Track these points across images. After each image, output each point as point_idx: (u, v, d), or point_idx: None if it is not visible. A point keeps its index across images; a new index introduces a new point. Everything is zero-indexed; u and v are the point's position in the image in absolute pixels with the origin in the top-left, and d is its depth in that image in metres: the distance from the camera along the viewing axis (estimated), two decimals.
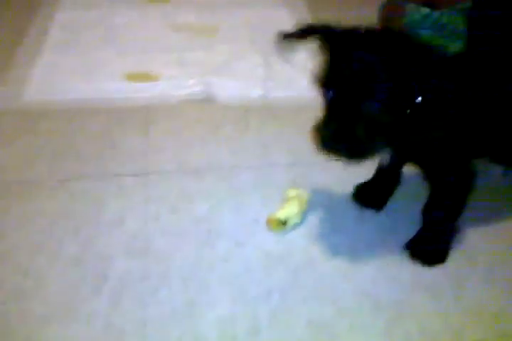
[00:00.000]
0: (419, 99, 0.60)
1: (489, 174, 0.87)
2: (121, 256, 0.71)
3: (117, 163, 0.87)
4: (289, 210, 0.76)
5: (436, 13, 1.36)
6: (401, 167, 0.78)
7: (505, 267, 0.73)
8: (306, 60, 1.19)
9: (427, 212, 0.73)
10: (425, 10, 1.37)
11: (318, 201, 0.81)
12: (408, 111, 0.61)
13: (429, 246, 0.74)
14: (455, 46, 1.25)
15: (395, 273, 0.72)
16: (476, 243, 0.77)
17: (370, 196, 0.81)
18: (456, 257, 0.74)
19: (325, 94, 0.60)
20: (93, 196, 0.81)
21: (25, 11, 1.25)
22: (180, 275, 0.70)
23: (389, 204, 0.81)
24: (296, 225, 0.77)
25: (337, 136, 0.59)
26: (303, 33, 0.64)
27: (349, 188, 0.83)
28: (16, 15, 1.24)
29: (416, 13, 1.35)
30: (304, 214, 0.78)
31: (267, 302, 0.67)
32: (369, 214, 0.80)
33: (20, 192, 0.80)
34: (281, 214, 0.76)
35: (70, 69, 1.11)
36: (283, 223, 0.75)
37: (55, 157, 0.87)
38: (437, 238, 0.74)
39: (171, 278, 0.69)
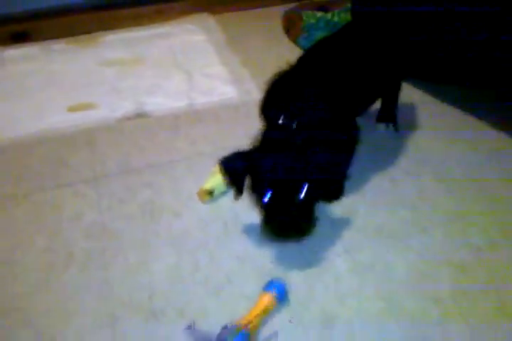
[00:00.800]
0: None
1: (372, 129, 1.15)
2: (83, 239, 0.93)
3: (70, 175, 1.10)
4: (214, 182, 1.00)
5: (328, 15, 1.67)
6: None
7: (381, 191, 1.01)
8: (222, 72, 1.48)
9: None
10: (319, 13, 1.68)
11: None
12: None
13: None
14: None
15: None
16: (364, 183, 1.02)
17: None
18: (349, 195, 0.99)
19: (259, 200, 0.79)
20: (53, 202, 1.03)
21: None
22: (133, 245, 0.92)
23: None
24: (224, 193, 1.01)
25: (288, 225, 0.78)
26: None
27: None
28: None
29: (311, 17, 1.66)
30: None
31: (204, 250, 0.90)
32: None
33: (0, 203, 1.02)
34: (207, 185, 0.99)
35: (19, 110, 1.35)
36: (210, 193, 0.99)
37: (17, 178, 1.09)
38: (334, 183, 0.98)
39: (125, 249, 0.92)
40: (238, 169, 0.82)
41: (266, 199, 0.78)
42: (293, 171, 0.77)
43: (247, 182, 0.82)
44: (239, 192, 0.84)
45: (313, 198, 0.80)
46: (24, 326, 0.80)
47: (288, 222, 0.78)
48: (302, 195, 0.77)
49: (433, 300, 0.81)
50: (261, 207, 0.81)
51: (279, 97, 0.88)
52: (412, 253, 0.89)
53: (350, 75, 0.92)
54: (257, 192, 0.80)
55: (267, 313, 0.77)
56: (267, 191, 0.77)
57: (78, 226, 0.97)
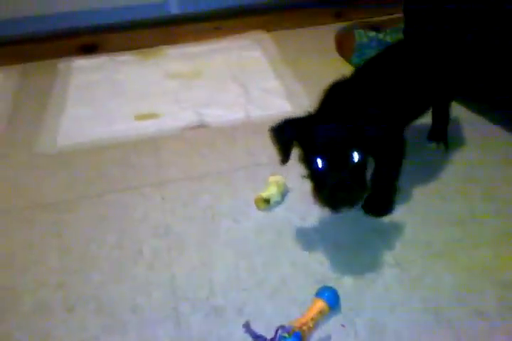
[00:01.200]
0: None
1: (423, 147, 1.19)
2: (150, 238, 1.02)
3: (137, 179, 1.19)
4: (270, 191, 1.06)
5: (380, 34, 1.73)
6: None
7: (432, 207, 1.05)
8: (277, 87, 1.56)
9: (375, 179, 1.03)
10: (372, 33, 1.73)
11: (293, 185, 1.12)
12: None
13: (379, 204, 1.04)
14: None
15: (355, 222, 1.01)
16: (413, 198, 1.07)
17: None
18: (398, 208, 1.04)
19: (312, 166, 0.82)
20: (123, 203, 1.12)
21: (47, 78, 1.65)
22: (195, 245, 1.00)
23: None
24: (278, 203, 1.07)
25: (342, 190, 0.79)
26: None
27: None
28: (40, 81, 1.64)
29: (364, 36, 1.71)
30: (283, 195, 1.09)
31: (259, 254, 0.97)
32: None
33: (71, 206, 1.12)
34: (264, 194, 1.06)
35: (89, 118, 1.46)
36: (266, 201, 1.05)
37: (89, 180, 1.20)
38: (384, 197, 1.04)
39: (188, 248, 0.99)
40: (287, 135, 0.85)
41: (319, 165, 0.80)
42: (344, 137, 0.80)
43: (298, 150, 0.85)
44: (285, 158, 0.87)
45: (364, 163, 0.82)
46: (97, 313, 0.88)
47: (341, 187, 0.78)
48: (355, 159, 0.79)
49: (479, 313, 0.84)
50: (313, 175, 0.83)
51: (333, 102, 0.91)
52: (459, 269, 0.92)
53: (400, 88, 0.97)
54: (309, 159, 0.82)
55: (320, 317, 0.83)
56: (319, 157, 0.80)
57: (145, 226, 1.05)
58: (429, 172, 1.15)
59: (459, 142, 1.24)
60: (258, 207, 1.06)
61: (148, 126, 1.40)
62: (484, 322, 0.83)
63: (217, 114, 1.44)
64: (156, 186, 1.17)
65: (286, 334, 0.77)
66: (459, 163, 1.18)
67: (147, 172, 1.22)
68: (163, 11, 1.86)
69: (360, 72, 1.02)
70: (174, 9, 1.86)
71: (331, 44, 1.76)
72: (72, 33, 1.83)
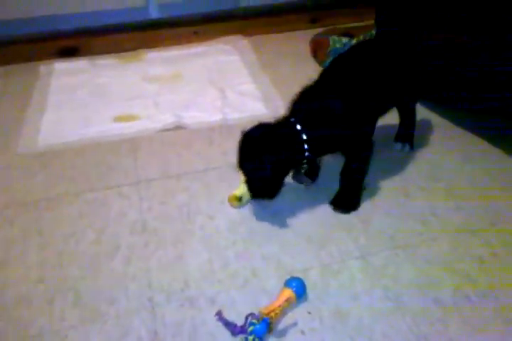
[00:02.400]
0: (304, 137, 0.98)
1: (390, 147, 1.26)
2: (127, 235, 1.06)
3: (116, 178, 1.24)
4: (242, 189, 1.11)
5: (353, 40, 1.80)
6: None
7: (396, 203, 1.12)
8: (253, 90, 1.61)
9: (343, 176, 1.09)
10: (345, 39, 1.81)
11: None
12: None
13: (346, 200, 1.10)
14: None
15: (323, 218, 1.08)
16: (379, 195, 1.13)
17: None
18: (365, 204, 1.10)
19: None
20: (101, 201, 1.16)
21: (29, 80, 1.68)
22: (171, 241, 1.04)
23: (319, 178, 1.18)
24: (249, 201, 1.13)
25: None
26: None
27: None
28: (21, 83, 1.67)
29: (337, 42, 1.79)
30: None
31: (233, 248, 1.02)
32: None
33: (52, 204, 1.15)
34: (237, 192, 1.11)
35: (69, 120, 1.50)
36: (239, 199, 1.10)
37: (69, 180, 1.24)
38: (351, 193, 1.10)
39: (164, 244, 1.04)
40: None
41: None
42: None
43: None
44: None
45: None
46: (75, 306, 0.92)
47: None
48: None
49: (436, 301, 0.90)
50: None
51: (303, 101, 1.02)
52: (419, 260, 0.99)
53: (362, 87, 1.02)
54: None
55: (287, 305, 0.88)
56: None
57: (123, 223, 1.10)
58: (395, 170, 1.22)
59: (424, 144, 1.31)
60: (232, 205, 1.11)
61: (127, 128, 1.45)
62: (440, 309, 0.89)
63: (195, 116, 1.49)
64: (133, 185, 1.21)
65: (255, 321, 0.83)
66: (424, 163, 1.25)
67: (125, 172, 1.26)
68: (143, 15, 1.91)
69: (324, 73, 1.08)
70: (155, 14, 1.91)
71: (307, 49, 1.83)
72: (54, 36, 1.85)
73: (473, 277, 0.95)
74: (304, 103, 1.01)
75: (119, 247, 1.04)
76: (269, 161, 0.98)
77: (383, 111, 1.13)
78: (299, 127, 0.98)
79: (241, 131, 1.02)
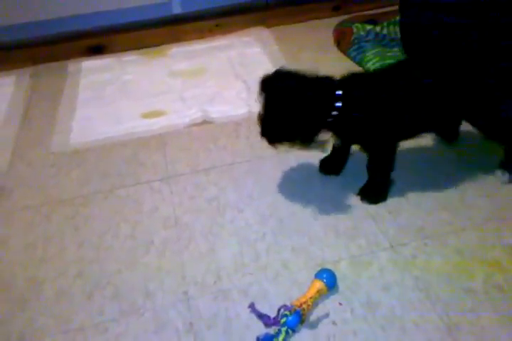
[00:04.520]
0: (339, 104, 0.96)
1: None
2: (160, 229, 1.09)
3: (146, 174, 1.26)
4: None
5: (377, 27, 1.77)
6: (348, 146, 1.15)
7: (424, 194, 1.10)
8: None
9: (368, 169, 1.09)
10: (369, 26, 1.78)
11: (293, 176, 1.18)
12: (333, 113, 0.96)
13: (373, 191, 1.10)
14: (394, 51, 1.64)
15: (352, 209, 1.08)
16: (408, 186, 1.12)
17: (330, 166, 1.18)
18: (394, 196, 1.10)
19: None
20: (134, 197, 1.20)
21: (58, 79, 1.72)
22: (202, 235, 1.07)
23: (345, 170, 1.18)
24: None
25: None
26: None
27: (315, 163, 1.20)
28: (51, 82, 1.71)
29: (361, 29, 1.76)
30: None
31: (263, 241, 1.04)
32: (331, 177, 1.17)
33: (86, 201, 1.19)
34: None
35: (99, 117, 1.53)
36: None
37: (101, 176, 1.27)
38: (378, 185, 1.10)
39: (196, 238, 1.07)
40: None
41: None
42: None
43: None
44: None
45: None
46: (113, 299, 0.96)
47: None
48: None
49: (466, 291, 0.90)
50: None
51: None
52: (448, 250, 0.99)
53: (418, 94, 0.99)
54: None
55: (318, 296, 0.89)
56: None
57: (156, 218, 1.13)
58: (424, 161, 1.20)
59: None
60: None
61: (155, 124, 1.47)
62: (471, 300, 0.89)
63: (221, 110, 1.50)
64: (164, 180, 1.24)
65: (287, 312, 0.84)
66: (453, 151, 1.23)
67: (155, 167, 1.29)
68: (165, 11, 1.92)
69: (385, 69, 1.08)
70: (176, 9, 1.92)
71: (330, 38, 1.81)
72: (80, 35, 1.89)
73: (504, 266, 0.94)
74: (354, 79, 1.00)
75: (152, 241, 1.07)
76: (299, 95, 0.94)
77: (418, 131, 1.08)
78: (339, 92, 0.96)
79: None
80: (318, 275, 0.92)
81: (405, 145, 1.11)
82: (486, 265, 0.95)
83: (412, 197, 1.11)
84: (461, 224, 1.04)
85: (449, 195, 1.11)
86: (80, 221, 1.14)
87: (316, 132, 0.97)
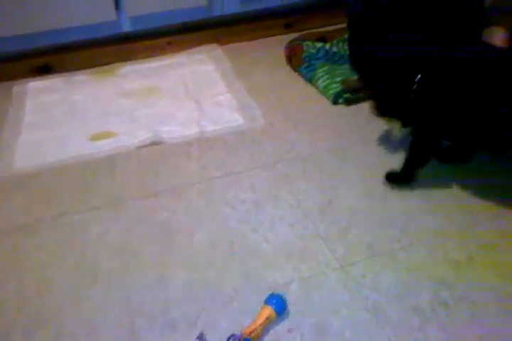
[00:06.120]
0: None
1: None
2: (107, 258, 1.06)
3: (93, 199, 1.23)
4: None
5: (327, 45, 1.80)
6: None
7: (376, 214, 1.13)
8: (230, 100, 1.61)
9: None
10: (319, 43, 1.81)
11: (245, 197, 1.18)
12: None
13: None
14: (343, 68, 1.67)
15: (301, 231, 1.08)
16: (353, 205, 1.14)
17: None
18: (342, 214, 1.11)
19: None
20: (79, 225, 1.16)
21: (2, 101, 1.66)
22: (151, 262, 1.04)
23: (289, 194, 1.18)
24: None
25: None
26: None
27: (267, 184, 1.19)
28: None
29: (312, 47, 1.79)
30: None
31: (213, 267, 1.02)
32: (283, 199, 1.17)
33: (29, 230, 1.15)
34: None
35: (45, 140, 1.48)
36: None
37: (47, 203, 1.23)
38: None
39: (144, 266, 1.04)
40: None
41: None
42: None
43: None
44: None
45: None
46: (57, 337, 0.92)
47: None
48: None
49: (414, 309, 0.91)
50: None
51: None
52: (398, 267, 1.00)
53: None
54: None
55: (268, 323, 0.88)
56: None
57: (102, 246, 1.09)
58: (371, 177, 1.22)
59: None
60: None
61: (104, 146, 1.44)
62: (419, 318, 0.90)
63: (172, 131, 1.48)
64: (111, 206, 1.20)
65: None
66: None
67: (103, 192, 1.25)
68: (115, 29, 1.89)
69: None
70: (126, 27, 1.90)
71: (282, 55, 1.83)
72: (26, 55, 1.84)
73: (449, 282, 0.96)
74: None
75: (98, 272, 1.03)
76: None
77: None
78: None
79: None
80: (268, 301, 0.91)
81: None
82: (433, 281, 0.96)
83: (361, 214, 1.13)
84: (409, 240, 1.06)
85: (397, 211, 1.12)
86: (20, 252, 1.09)
87: None
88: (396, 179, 1.19)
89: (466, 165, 1.22)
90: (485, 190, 1.15)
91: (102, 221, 1.16)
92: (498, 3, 1.28)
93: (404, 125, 1.16)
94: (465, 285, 0.95)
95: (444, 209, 1.12)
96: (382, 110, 1.16)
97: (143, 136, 1.46)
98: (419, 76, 1.05)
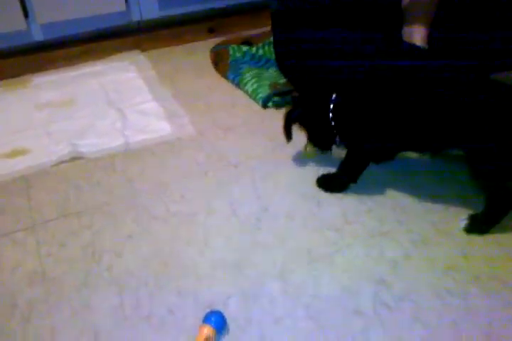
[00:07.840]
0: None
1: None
2: (25, 287, 0.97)
3: (8, 224, 1.13)
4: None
5: (253, 48, 1.80)
6: None
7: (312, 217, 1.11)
8: (156, 108, 1.56)
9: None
10: (245, 47, 1.80)
11: (175, 210, 1.13)
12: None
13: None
14: (270, 72, 1.66)
15: (238, 241, 1.05)
16: (290, 211, 1.12)
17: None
18: (277, 218, 1.09)
19: None
20: None
21: None
22: (75, 288, 0.97)
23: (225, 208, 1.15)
24: None
25: None
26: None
27: (199, 198, 1.15)
28: None
29: (238, 51, 1.77)
30: None
31: (145, 287, 0.96)
32: (217, 210, 1.13)
33: None
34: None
35: None
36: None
37: None
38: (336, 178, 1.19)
39: (68, 293, 0.96)
40: None
41: None
42: None
43: None
44: None
45: None
46: None
47: None
48: None
49: (356, 313, 0.91)
50: None
51: None
52: (337, 270, 0.99)
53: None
54: None
55: None
56: None
57: (19, 275, 1.00)
58: (305, 181, 1.22)
59: None
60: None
61: (18, 164, 1.33)
62: (361, 322, 0.89)
63: (93, 143, 1.40)
64: (29, 229, 1.11)
65: None
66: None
67: (18, 215, 1.15)
68: (26, 39, 1.78)
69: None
70: (38, 36, 1.79)
71: (208, 60, 1.80)
72: None
73: (388, 282, 0.96)
74: None
75: (16, 304, 0.94)
76: None
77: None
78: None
79: None
80: (206, 319, 0.87)
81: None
82: (373, 282, 0.96)
83: (298, 219, 1.11)
84: (346, 241, 1.06)
85: (332, 213, 1.13)
86: None
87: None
88: (328, 185, 1.19)
89: (392, 164, 1.24)
90: (415, 188, 1.18)
91: (18, 246, 1.06)
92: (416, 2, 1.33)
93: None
94: (404, 284, 0.95)
95: (377, 209, 1.14)
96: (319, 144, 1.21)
97: (61, 151, 1.37)
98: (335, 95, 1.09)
